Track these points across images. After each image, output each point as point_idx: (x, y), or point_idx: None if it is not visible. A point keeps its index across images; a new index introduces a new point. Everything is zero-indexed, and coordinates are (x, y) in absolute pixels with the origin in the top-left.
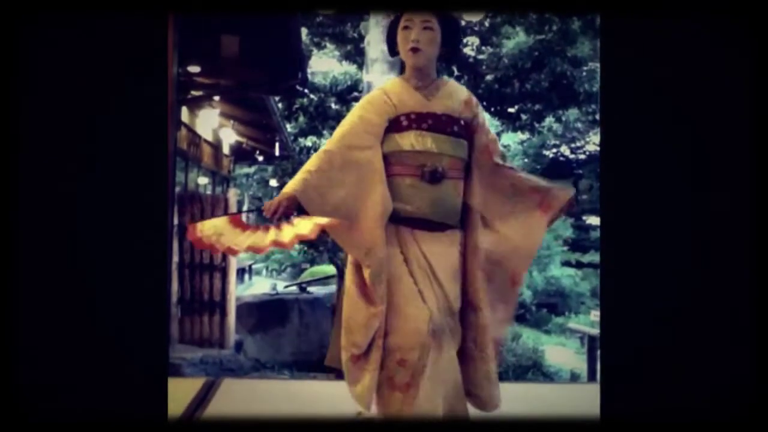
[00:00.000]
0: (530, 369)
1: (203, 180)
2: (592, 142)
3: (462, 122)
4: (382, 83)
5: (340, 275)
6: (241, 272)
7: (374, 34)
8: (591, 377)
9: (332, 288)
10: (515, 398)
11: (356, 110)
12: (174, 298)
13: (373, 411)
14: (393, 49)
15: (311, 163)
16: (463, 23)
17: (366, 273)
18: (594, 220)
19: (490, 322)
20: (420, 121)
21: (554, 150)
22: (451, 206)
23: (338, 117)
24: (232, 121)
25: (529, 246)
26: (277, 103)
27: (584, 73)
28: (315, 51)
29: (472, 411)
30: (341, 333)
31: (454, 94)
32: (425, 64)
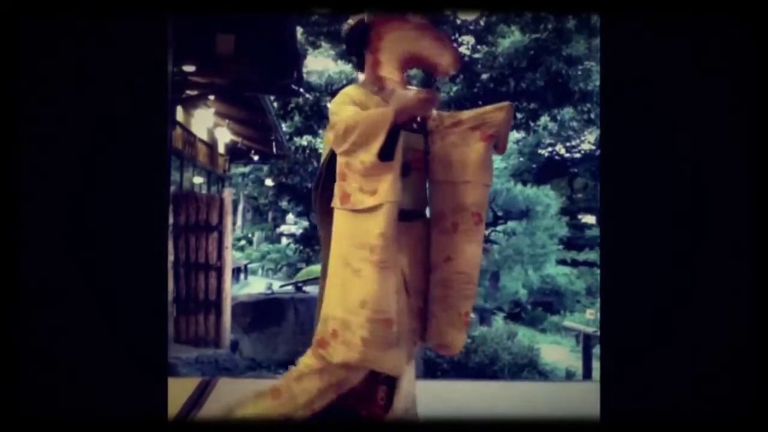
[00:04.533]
0: (526, 367)
1: (198, 179)
2: (588, 141)
3: (417, 119)
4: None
5: None
6: (236, 271)
7: None
8: (586, 375)
9: None
10: (512, 396)
11: (338, 107)
12: (169, 297)
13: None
14: (359, 52)
15: None
16: (458, 22)
17: (378, 241)
18: (589, 219)
19: (458, 266)
20: None
21: (549, 149)
22: (420, 195)
23: None
24: (227, 120)
25: (480, 179)
26: (273, 102)
27: (579, 72)
28: (310, 50)
29: (473, 410)
30: (323, 327)
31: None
32: None
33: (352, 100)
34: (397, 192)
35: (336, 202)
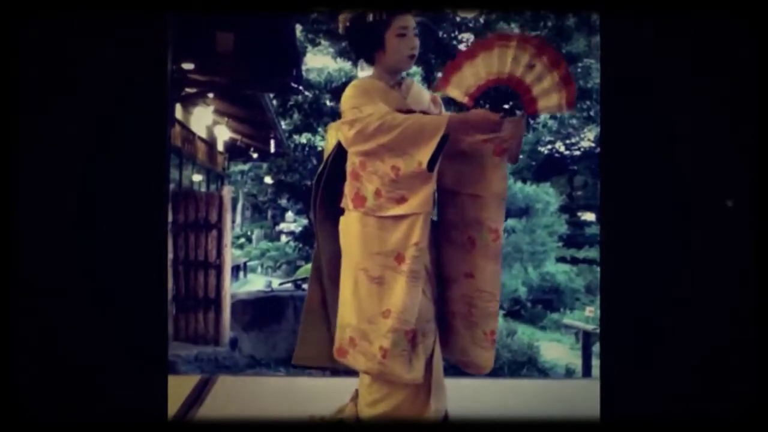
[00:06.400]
0: (525, 365)
1: (197, 177)
2: (587, 139)
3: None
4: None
5: None
6: (236, 269)
7: None
8: (586, 373)
9: None
10: (511, 394)
11: (356, 101)
12: (169, 295)
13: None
14: (368, 49)
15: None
16: (458, 19)
17: (411, 251)
18: (588, 216)
19: (480, 284)
20: None
21: (549, 146)
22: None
23: (333, 114)
24: (226, 118)
25: (497, 194)
26: (272, 100)
27: (579, 70)
28: (309, 48)
29: (472, 408)
30: (342, 334)
31: (423, 92)
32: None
33: (370, 93)
34: (431, 203)
35: (347, 203)
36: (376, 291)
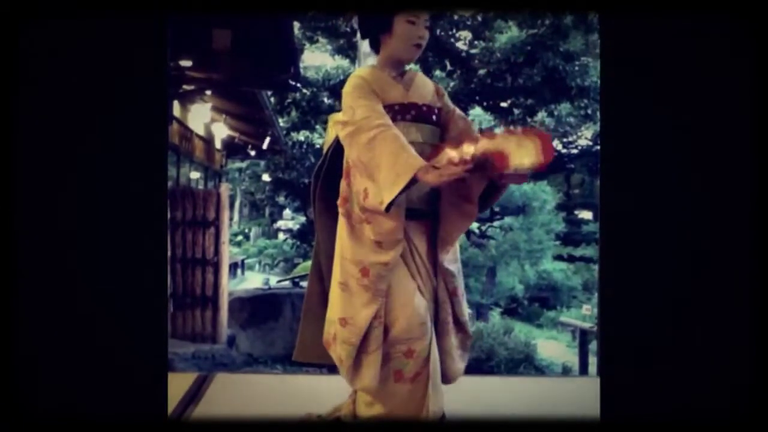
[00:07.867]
0: (522, 363)
1: (195, 174)
2: (584, 137)
3: (436, 110)
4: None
5: None
6: (233, 267)
7: None
8: (582, 371)
9: None
10: (508, 392)
11: (353, 100)
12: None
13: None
14: (375, 29)
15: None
16: (455, 17)
17: (377, 269)
18: (586, 215)
19: (447, 297)
20: (404, 112)
21: None
22: (433, 194)
23: (331, 111)
24: (224, 116)
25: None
26: (270, 98)
27: (576, 68)
28: (307, 45)
29: (469, 406)
30: (328, 328)
31: (427, 85)
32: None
33: (371, 88)
34: (402, 232)
35: (339, 201)
36: (342, 297)
